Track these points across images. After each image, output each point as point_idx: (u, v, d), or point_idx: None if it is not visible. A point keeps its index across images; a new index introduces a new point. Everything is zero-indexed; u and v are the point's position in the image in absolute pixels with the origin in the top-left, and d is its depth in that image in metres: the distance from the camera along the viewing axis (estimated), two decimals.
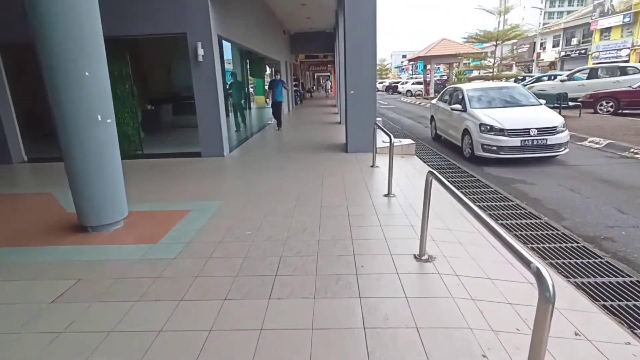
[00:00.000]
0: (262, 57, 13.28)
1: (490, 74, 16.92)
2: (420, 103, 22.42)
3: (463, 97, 7.92)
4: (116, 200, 3.75)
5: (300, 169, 6.12)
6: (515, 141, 6.53)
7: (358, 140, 7.14)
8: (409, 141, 7.74)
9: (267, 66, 15.63)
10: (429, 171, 2.79)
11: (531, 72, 43.50)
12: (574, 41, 43.36)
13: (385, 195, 4.52)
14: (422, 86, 27.72)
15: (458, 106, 7.84)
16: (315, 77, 45.69)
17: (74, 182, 3.57)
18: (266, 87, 13.76)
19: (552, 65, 45.45)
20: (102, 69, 3.56)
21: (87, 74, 3.36)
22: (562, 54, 44.36)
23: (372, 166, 6.06)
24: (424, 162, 6.94)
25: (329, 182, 5.19)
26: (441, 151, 8.36)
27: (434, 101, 10.40)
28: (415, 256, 2.96)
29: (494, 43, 16.32)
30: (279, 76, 11.63)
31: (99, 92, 3.51)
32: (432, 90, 24.62)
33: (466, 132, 7.36)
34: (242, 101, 10.14)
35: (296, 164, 6.51)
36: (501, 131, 6.62)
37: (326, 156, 7.02)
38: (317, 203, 4.34)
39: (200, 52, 6.74)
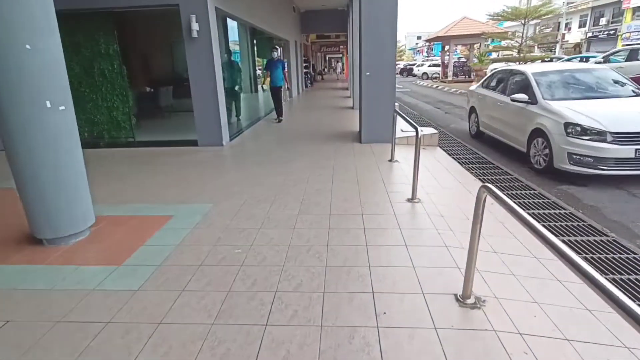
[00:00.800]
0: (270, 36, 12.36)
1: (516, 56, 15.62)
2: (437, 87, 21.16)
3: (529, 84, 5.81)
4: (77, 206, 3.03)
5: (308, 162, 5.32)
6: (627, 151, 4.41)
7: (374, 130, 6.28)
8: (431, 130, 6.85)
9: (277, 46, 14.67)
10: (483, 185, 1.97)
11: (554, 54, 41.39)
12: (603, 21, 40.85)
13: (409, 200, 3.71)
14: (439, 69, 26.34)
15: (522, 96, 5.71)
16: (327, 58, 44.30)
17: (21, 184, 2.86)
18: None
19: (577, 47, 43.08)
20: (52, 42, 2.78)
21: (28, 47, 2.58)
22: (589, 34, 41.91)
23: (390, 160, 5.23)
24: (449, 154, 6.07)
25: (340, 181, 4.40)
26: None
27: (473, 88, 8.27)
28: (457, 298, 2.17)
29: (522, 21, 14.96)
30: (277, 55, 9.19)
31: (48, 72, 2.74)
32: (450, 73, 23.27)
33: (538, 133, 5.25)
34: (247, 83, 9.31)
35: (303, 156, 5.72)
36: (600, 134, 4.52)
37: (337, 147, 6.20)
38: (326, 209, 3.56)
39: (195, 26, 5.90)
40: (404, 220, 3.26)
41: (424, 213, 3.42)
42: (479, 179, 4.78)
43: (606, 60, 14.00)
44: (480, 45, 21.89)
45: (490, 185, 1.93)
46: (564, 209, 3.88)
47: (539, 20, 17.50)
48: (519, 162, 5.82)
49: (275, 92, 9.27)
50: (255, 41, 11.36)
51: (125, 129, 6.98)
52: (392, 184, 4.26)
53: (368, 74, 6.09)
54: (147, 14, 8.53)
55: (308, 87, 21.58)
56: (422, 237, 2.95)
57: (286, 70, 9.27)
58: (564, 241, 3.23)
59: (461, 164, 5.56)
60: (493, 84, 7.30)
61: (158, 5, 6.05)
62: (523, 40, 15.13)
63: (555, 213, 3.81)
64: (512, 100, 5.90)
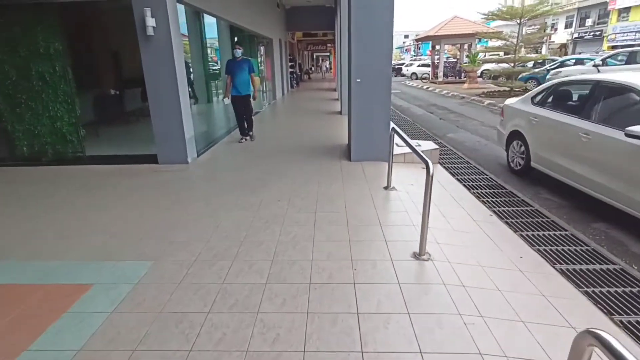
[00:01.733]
0: (253, 34, 11.34)
1: (511, 57, 14.91)
2: (428, 88, 20.40)
3: None
4: None
5: (286, 188, 4.37)
6: None
7: (365, 146, 5.36)
8: (430, 145, 5.98)
9: (261, 45, 13.62)
10: (588, 331, 1.05)
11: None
12: (589, 22, 41.15)
13: (416, 257, 2.80)
14: (428, 69, 25.62)
15: None
16: (315, 57, 43.32)
17: None
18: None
19: (562, 47, 43.28)
20: None
21: None
22: (575, 35, 42.14)
23: (386, 188, 4.32)
24: (452, 174, 5.20)
25: (325, 221, 3.46)
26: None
27: (512, 102, 5.71)
28: None
29: (517, 21, 14.25)
30: (240, 53, 6.63)
31: None
32: (440, 74, 22.55)
33: None
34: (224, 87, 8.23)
35: (281, 178, 4.76)
36: None
37: (323, 167, 5.25)
38: (305, 273, 2.62)
39: (150, 22, 4.87)
40: (412, 297, 2.34)
41: (439, 281, 2.50)
42: (498, 214, 3.91)
43: (604, 62, 13.42)
44: (471, 45, 21.23)
45: (602, 333, 1.01)
46: (611, 262, 3.01)
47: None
48: (533, 185, 4.98)
49: (241, 102, 6.80)
50: (235, 39, 10.31)
51: (72, 142, 5.90)
52: (392, 227, 3.34)
53: (358, 80, 5.16)
54: (109, 7, 7.45)
55: (294, 87, 20.60)
56: (442, 334, 2.02)
57: (254, 73, 6.89)
58: (627, 323, 2.36)
59: (468, 188, 4.69)
60: (555, 101, 4.91)
61: None
62: (519, 41, 14.42)
63: (600, 270, 2.95)
64: (628, 135, 3.40)
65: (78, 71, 5.84)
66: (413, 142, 6.31)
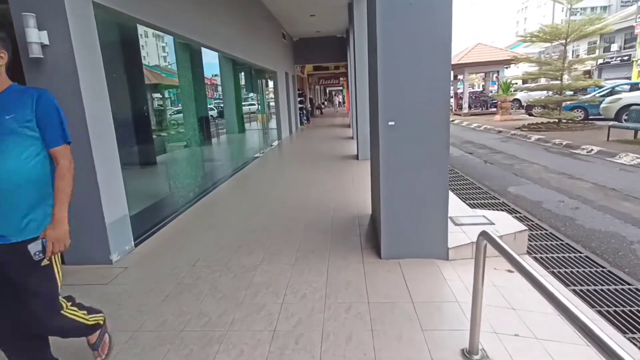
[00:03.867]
0: (256, 67, 9.62)
1: (557, 83, 12.69)
2: (454, 121, 18.22)
3: None
4: None
5: (254, 354, 2.09)
6: None
7: (405, 233, 3.08)
8: (508, 222, 3.64)
9: (267, 79, 11.88)
10: None
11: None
12: (614, 47, 39.24)
13: None
14: (450, 99, 23.65)
15: None
16: (327, 91, 42.31)
17: None
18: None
19: (587, 73, 41.23)
20: None
21: None
22: (600, 61, 40.12)
23: (469, 356, 1.98)
24: (566, 282, 2.85)
25: None
26: None
27: None
28: None
29: (562, 42, 12.17)
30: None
31: None
32: (465, 105, 20.47)
33: None
34: (197, 132, 6.20)
35: (251, 314, 2.49)
36: None
37: (332, 273, 2.98)
38: None
39: (35, 36, 2.88)
40: None
41: None
42: None
43: None
44: (498, 73, 19.24)
45: None
46: None
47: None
48: None
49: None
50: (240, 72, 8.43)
51: None
52: None
53: (392, 123, 2.98)
54: None
55: (304, 124, 18.80)
56: None
57: (66, 146, 1.64)
58: None
59: (608, 318, 2.32)
60: None
61: None
62: (564, 65, 12.26)
63: None
64: None
65: None
66: (472, 213, 4.03)
